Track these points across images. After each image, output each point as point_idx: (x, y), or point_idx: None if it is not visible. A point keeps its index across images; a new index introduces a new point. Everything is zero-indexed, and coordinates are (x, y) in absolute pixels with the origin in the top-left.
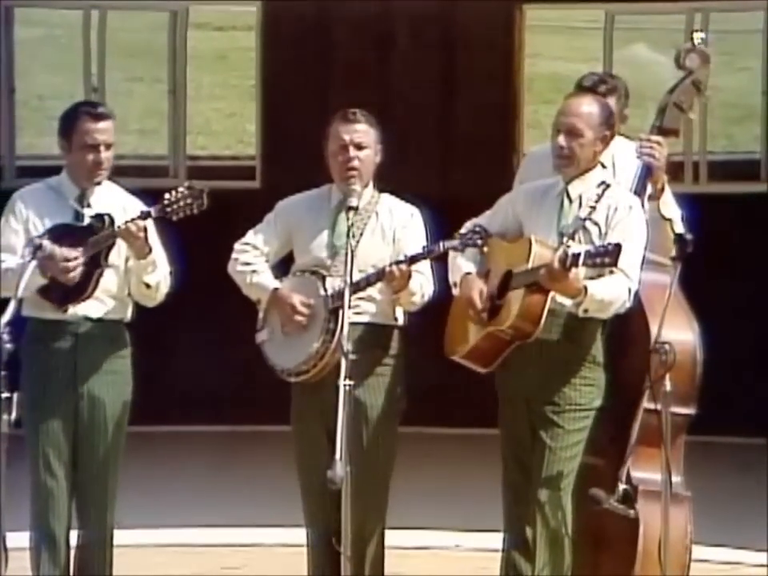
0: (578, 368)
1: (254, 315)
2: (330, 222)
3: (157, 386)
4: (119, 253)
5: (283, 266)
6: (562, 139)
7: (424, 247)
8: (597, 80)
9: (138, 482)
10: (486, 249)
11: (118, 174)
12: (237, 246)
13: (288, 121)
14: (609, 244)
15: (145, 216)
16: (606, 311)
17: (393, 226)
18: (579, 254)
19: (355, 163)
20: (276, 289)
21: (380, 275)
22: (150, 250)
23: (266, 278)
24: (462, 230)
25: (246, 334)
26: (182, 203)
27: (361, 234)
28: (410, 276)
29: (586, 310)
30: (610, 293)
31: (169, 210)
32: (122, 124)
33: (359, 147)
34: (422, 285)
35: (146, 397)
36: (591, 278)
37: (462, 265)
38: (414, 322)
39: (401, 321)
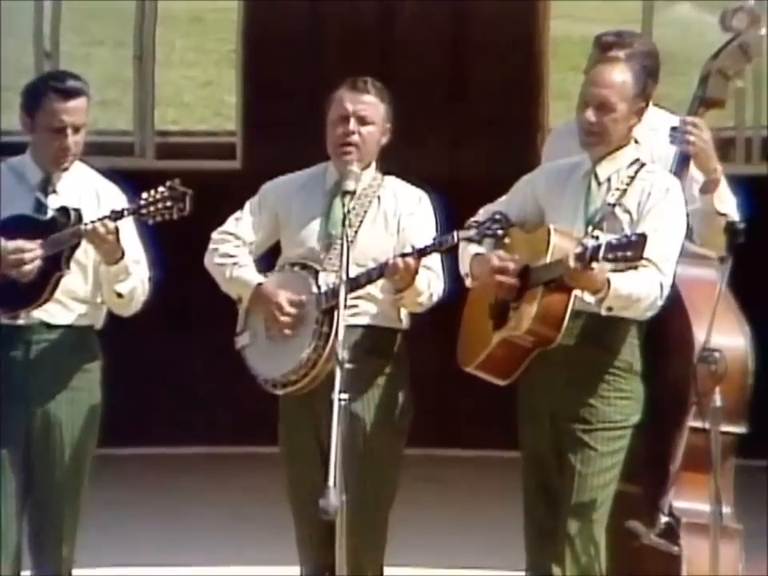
0: (611, 378)
1: (235, 316)
2: (325, 208)
3: (128, 402)
4: (87, 252)
5: (268, 259)
6: (591, 114)
7: (434, 238)
8: (614, 39)
9: (105, 513)
10: (506, 240)
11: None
12: (215, 235)
13: (274, 91)
14: (632, 234)
15: (116, 216)
16: (634, 309)
17: (397, 213)
18: (599, 248)
19: (354, 138)
20: (260, 284)
21: (382, 270)
22: (122, 255)
23: (249, 272)
24: (479, 218)
25: (228, 338)
26: (159, 206)
27: (360, 222)
28: (416, 272)
29: (609, 308)
30: (637, 288)
31: (144, 212)
32: None
33: (362, 121)
34: (430, 282)
35: (117, 415)
36: (618, 271)
37: (470, 248)
38: (420, 325)
39: (405, 324)
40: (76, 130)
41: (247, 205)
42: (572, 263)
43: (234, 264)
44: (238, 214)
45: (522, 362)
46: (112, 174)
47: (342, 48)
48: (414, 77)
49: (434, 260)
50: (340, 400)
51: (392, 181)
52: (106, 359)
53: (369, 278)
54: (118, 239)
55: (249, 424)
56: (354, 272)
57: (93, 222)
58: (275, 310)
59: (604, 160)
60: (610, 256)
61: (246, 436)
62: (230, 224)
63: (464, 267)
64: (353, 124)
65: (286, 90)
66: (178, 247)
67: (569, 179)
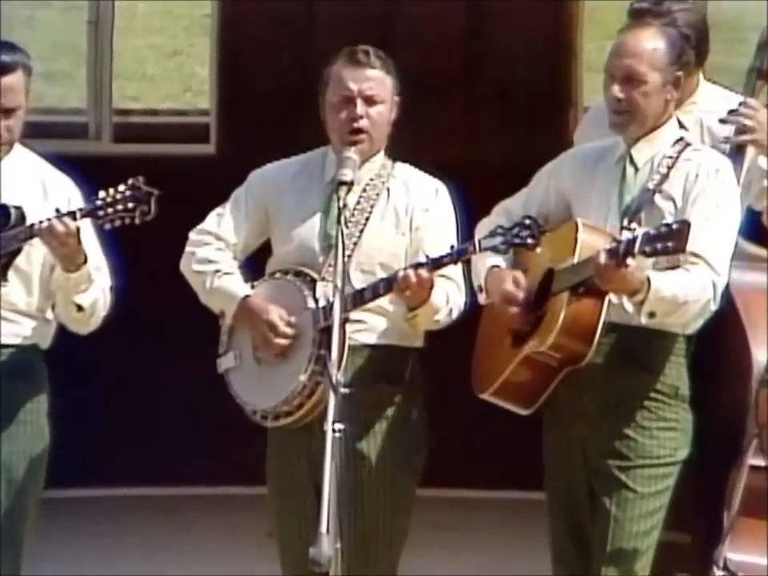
0: (653, 405)
1: (215, 333)
2: (324, 202)
3: (81, 437)
4: (29, 258)
5: (256, 264)
6: (617, 88)
7: (452, 247)
8: (649, 7)
9: (53, 563)
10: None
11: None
12: (192, 235)
13: (254, 62)
14: (673, 222)
15: (69, 217)
16: (681, 315)
17: (410, 209)
18: (634, 240)
19: (363, 123)
20: (246, 297)
21: (390, 284)
22: (85, 260)
23: (233, 282)
24: (499, 216)
25: (202, 358)
26: (119, 207)
27: (366, 220)
28: (432, 285)
29: (651, 314)
30: (684, 287)
31: (101, 214)
32: None
33: (370, 101)
34: (449, 297)
35: (69, 452)
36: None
37: (487, 260)
38: (432, 343)
39: (420, 341)
40: (8, 112)
41: (232, 197)
42: (603, 260)
43: (216, 272)
44: (219, 209)
45: (547, 385)
46: (61, 161)
47: (332, 14)
48: (423, 44)
49: (455, 268)
50: (334, 431)
51: (404, 169)
52: (53, 386)
53: (374, 292)
54: (79, 241)
55: (227, 461)
56: (358, 281)
57: (49, 219)
58: (266, 331)
59: (640, 141)
60: (647, 249)
61: (224, 474)
62: (210, 222)
63: (477, 279)
64: (360, 106)
65: (271, 61)
66: (141, 249)
67: (599, 165)
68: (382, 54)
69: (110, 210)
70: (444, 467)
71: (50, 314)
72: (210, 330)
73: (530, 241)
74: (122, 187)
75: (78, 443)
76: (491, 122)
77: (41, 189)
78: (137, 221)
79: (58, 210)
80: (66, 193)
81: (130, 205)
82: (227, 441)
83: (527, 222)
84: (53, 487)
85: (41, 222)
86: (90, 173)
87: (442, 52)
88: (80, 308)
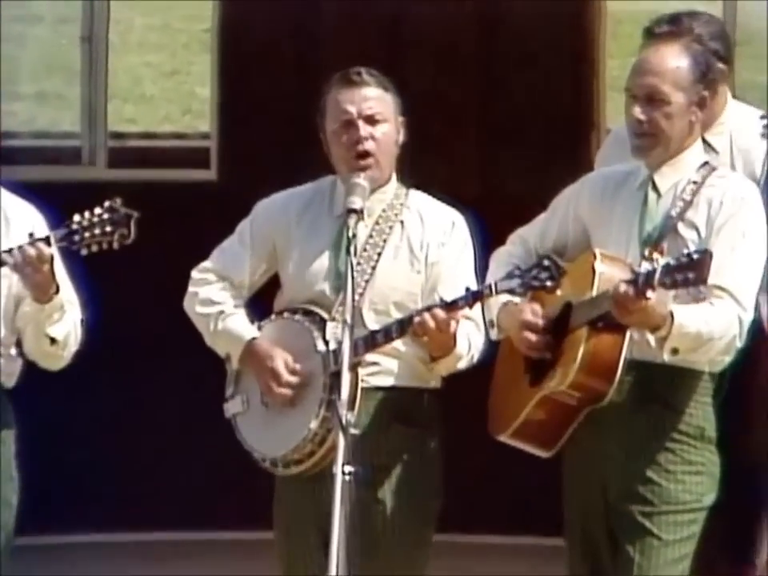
0: (678, 447)
1: (218, 375)
2: (334, 237)
3: (56, 480)
4: None
5: (263, 299)
6: (639, 110)
7: (467, 290)
8: (669, 23)
9: None
10: (559, 292)
11: (5, 160)
12: (195, 273)
13: (258, 81)
14: (694, 251)
15: (43, 242)
16: (705, 352)
17: (425, 243)
18: (654, 271)
19: (369, 145)
20: (252, 340)
21: (403, 327)
22: (57, 290)
23: (238, 324)
24: (513, 254)
25: (202, 401)
26: (97, 231)
27: (379, 255)
28: (453, 328)
29: (674, 350)
30: (708, 323)
31: (77, 238)
32: (9, 85)
33: (372, 121)
34: (470, 341)
35: (40, 497)
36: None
37: (502, 297)
38: (446, 381)
39: (437, 383)
40: None
41: (235, 232)
42: (622, 293)
43: (220, 313)
44: (223, 244)
45: (567, 425)
46: (53, 188)
47: (337, 31)
48: (433, 63)
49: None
50: (344, 474)
51: (418, 199)
52: (21, 427)
53: (387, 335)
54: (52, 268)
55: (227, 505)
56: (372, 322)
57: (21, 246)
58: (270, 380)
59: (663, 166)
60: (667, 280)
61: (224, 519)
62: (212, 259)
63: (490, 313)
64: (362, 128)
65: (277, 80)
66: (140, 282)
67: (620, 191)
68: (375, 72)
69: (86, 234)
70: (459, 511)
71: (14, 351)
72: (202, 369)
73: (549, 283)
74: (98, 210)
75: (52, 487)
76: (509, 145)
77: (2, 218)
78: (115, 245)
79: (31, 235)
80: (30, 221)
81: (108, 228)
82: (219, 483)
83: (546, 262)
84: (26, 534)
85: (10, 249)
86: (83, 200)
87: (453, 72)
88: (53, 341)
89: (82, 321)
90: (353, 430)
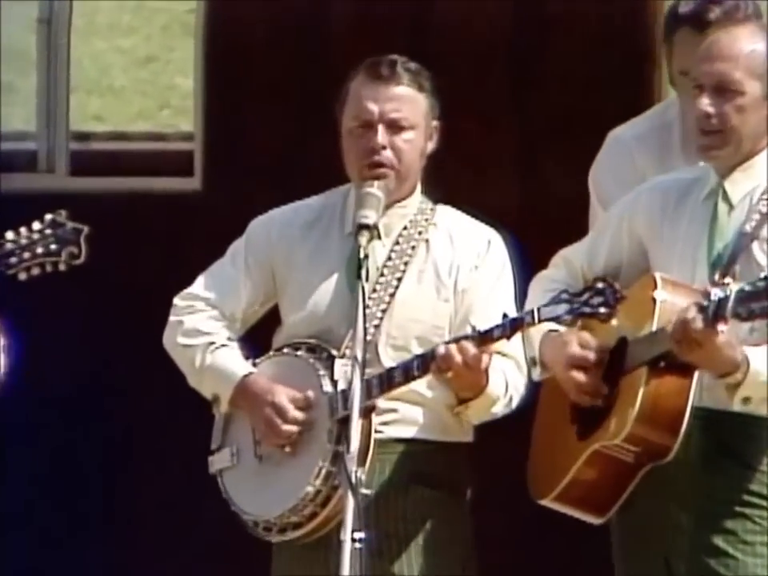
0: (755, 513)
1: (202, 421)
2: (347, 257)
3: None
4: None
5: (258, 338)
6: (706, 101)
7: (505, 317)
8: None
9: None
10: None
11: None
12: (178, 301)
13: (252, 72)
14: None
15: None
16: None
17: (455, 267)
18: (726, 299)
19: (386, 155)
20: (247, 376)
21: (426, 363)
22: None
23: (230, 358)
24: (560, 273)
25: (186, 459)
26: (39, 250)
27: (398, 281)
28: (485, 364)
29: (746, 399)
30: None
31: (13, 260)
32: None
33: (396, 127)
34: (508, 381)
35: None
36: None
37: (544, 327)
38: (478, 432)
39: (468, 436)
40: None
41: (227, 254)
42: (689, 316)
43: (209, 345)
44: (213, 267)
45: (623, 487)
46: (2, 200)
47: (350, 18)
48: (464, 63)
49: (512, 342)
50: (354, 541)
51: (447, 214)
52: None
53: (407, 373)
54: None
55: None
56: (389, 360)
57: None
58: (273, 416)
59: (735, 171)
60: (742, 311)
61: None
62: (199, 284)
63: (531, 349)
64: (381, 134)
65: (273, 70)
66: (113, 312)
67: (683, 203)
68: (413, 66)
69: (25, 254)
70: None
71: None
72: (175, 416)
73: (602, 310)
74: (37, 225)
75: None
76: (552, 156)
77: None
78: (62, 266)
79: None
80: None
81: (53, 246)
82: (209, 557)
83: (600, 285)
84: None
85: None
86: (39, 215)
87: (489, 69)
88: None
89: (4, 347)
90: (364, 491)
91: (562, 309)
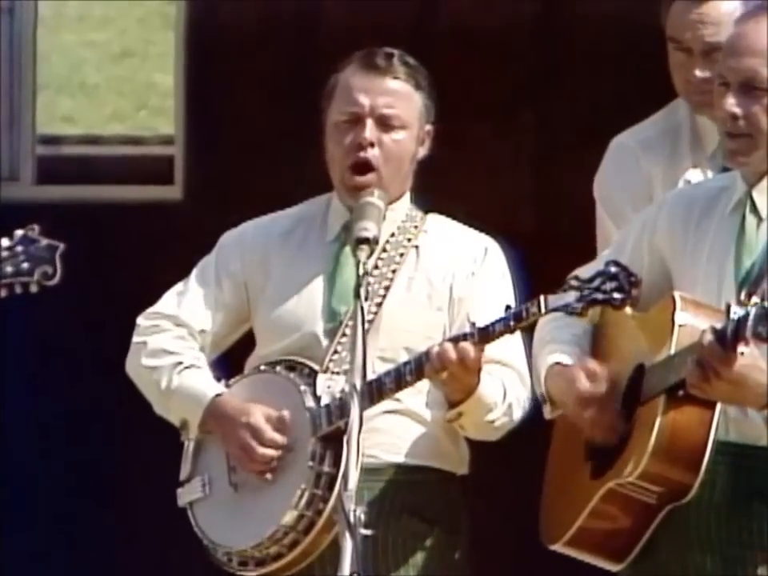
0: None
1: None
2: (328, 269)
3: None
4: None
5: (230, 364)
6: (732, 101)
7: (508, 309)
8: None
9: None
10: (629, 311)
11: None
12: (141, 320)
13: (238, 69)
14: None
15: None
16: None
17: (449, 273)
18: (745, 320)
19: (373, 154)
20: (218, 397)
21: (421, 364)
22: None
23: (199, 379)
24: (578, 272)
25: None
26: (9, 270)
27: (386, 290)
28: (479, 366)
29: None
30: None
31: None
32: None
33: (386, 124)
34: (506, 388)
35: None
36: None
37: (549, 356)
38: (478, 466)
39: (463, 468)
40: None
41: (196, 270)
42: (708, 340)
43: (176, 365)
44: (180, 285)
45: (642, 530)
46: None
47: (345, 10)
48: (473, 62)
49: (514, 348)
50: None
51: (438, 222)
52: None
53: (399, 379)
54: None
55: None
56: (376, 370)
57: None
58: (249, 439)
59: (765, 179)
60: (762, 331)
61: None
62: (166, 302)
63: (539, 384)
64: (370, 129)
65: (261, 67)
66: (69, 336)
67: (709, 215)
68: (412, 62)
69: None
70: None
71: None
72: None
73: (616, 295)
74: (6, 242)
75: None
76: (570, 169)
77: None
78: (33, 288)
79: None
80: None
81: (25, 265)
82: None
83: (613, 269)
84: None
85: None
86: (1, 227)
87: (500, 67)
88: None
89: None
90: (363, 531)
91: (571, 297)
